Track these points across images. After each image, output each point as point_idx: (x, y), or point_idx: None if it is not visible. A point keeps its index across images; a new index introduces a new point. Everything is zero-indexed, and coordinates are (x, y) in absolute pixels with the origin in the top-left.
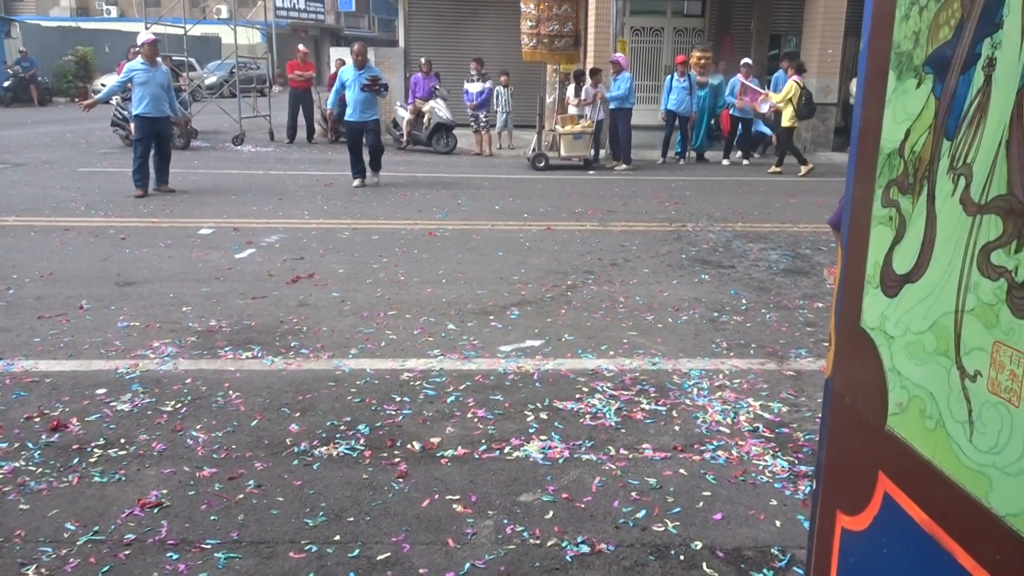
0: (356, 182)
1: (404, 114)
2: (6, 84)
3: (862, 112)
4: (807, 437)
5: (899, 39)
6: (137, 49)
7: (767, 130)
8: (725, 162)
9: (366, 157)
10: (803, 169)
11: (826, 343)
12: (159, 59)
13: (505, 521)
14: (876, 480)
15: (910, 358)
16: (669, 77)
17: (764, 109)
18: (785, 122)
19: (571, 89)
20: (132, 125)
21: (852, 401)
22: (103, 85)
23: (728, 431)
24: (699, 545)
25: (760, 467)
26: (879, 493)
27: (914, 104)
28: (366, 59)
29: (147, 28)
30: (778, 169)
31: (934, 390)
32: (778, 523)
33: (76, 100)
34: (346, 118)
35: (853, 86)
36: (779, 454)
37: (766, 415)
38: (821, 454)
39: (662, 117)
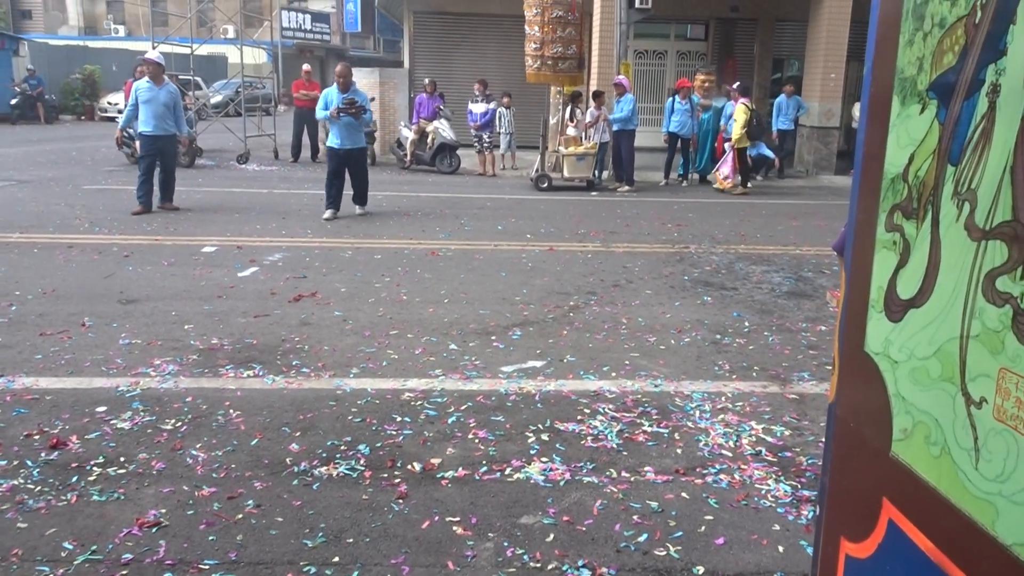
0: (328, 213)
1: (408, 134)
2: (13, 102)
3: (865, 137)
4: (810, 461)
5: (903, 65)
6: (142, 67)
7: (770, 153)
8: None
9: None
10: (738, 189)
11: (829, 366)
12: (166, 77)
13: (505, 544)
14: (881, 506)
15: (915, 383)
16: (671, 99)
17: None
18: (733, 142)
19: (569, 111)
20: (137, 143)
21: (856, 426)
22: (110, 103)
23: (730, 454)
24: (701, 570)
25: (763, 491)
26: (884, 520)
27: (918, 129)
28: (350, 81)
29: (154, 47)
30: (737, 191)
31: (939, 416)
32: (781, 548)
33: (82, 118)
34: (328, 144)
35: (856, 110)
36: (782, 478)
37: (769, 439)
38: (825, 479)
39: (664, 139)
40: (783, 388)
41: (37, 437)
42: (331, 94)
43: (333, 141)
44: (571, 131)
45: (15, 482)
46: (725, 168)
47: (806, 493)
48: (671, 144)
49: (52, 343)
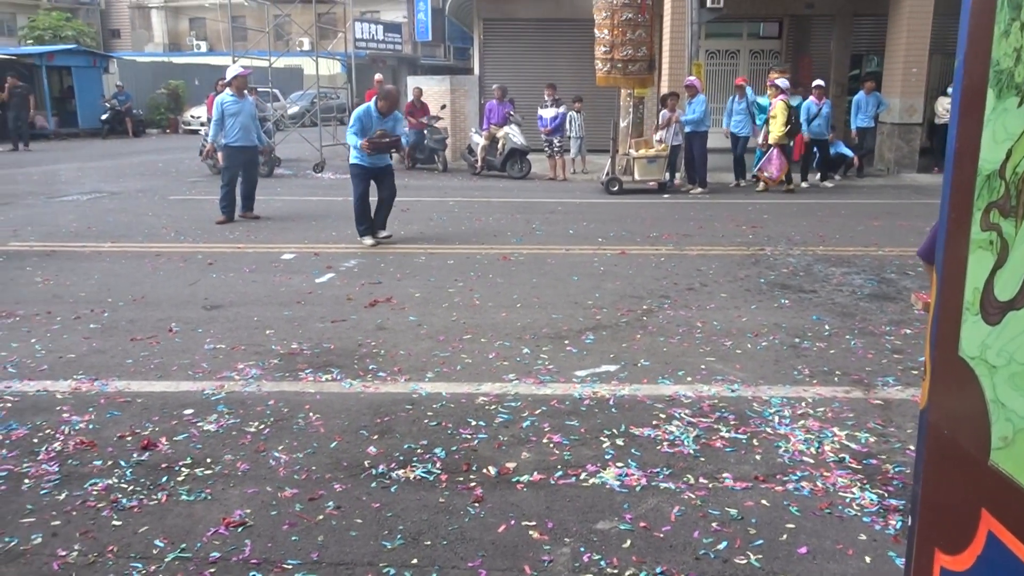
0: (368, 241)
1: (479, 140)
2: (104, 117)
3: (958, 132)
4: (897, 469)
5: (998, 56)
6: (226, 82)
7: (848, 151)
8: (804, 184)
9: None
10: (760, 185)
11: (915, 371)
12: (245, 90)
13: (582, 549)
14: (979, 518)
15: (1015, 389)
16: (731, 99)
17: (775, 164)
18: (772, 139)
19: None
20: (220, 154)
21: (951, 434)
22: (192, 116)
23: (812, 461)
24: None
25: (847, 499)
26: (982, 531)
27: (1016, 123)
28: (395, 108)
29: (234, 61)
30: (759, 188)
31: None
32: (868, 559)
33: (167, 131)
34: (354, 160)
35: (940, 105)
36: (867, 486)
37: (853, 445)
38: (917, 488)
39: (725, 133)
40: (867, 393)
41: (129, 438)
42: (368, 116)
43: (360, 157)
44: (660, 134)
45: (110, 481)
46: (770, 166)
47: (894, 502)
48: (733, 144)
49: (142, 348)
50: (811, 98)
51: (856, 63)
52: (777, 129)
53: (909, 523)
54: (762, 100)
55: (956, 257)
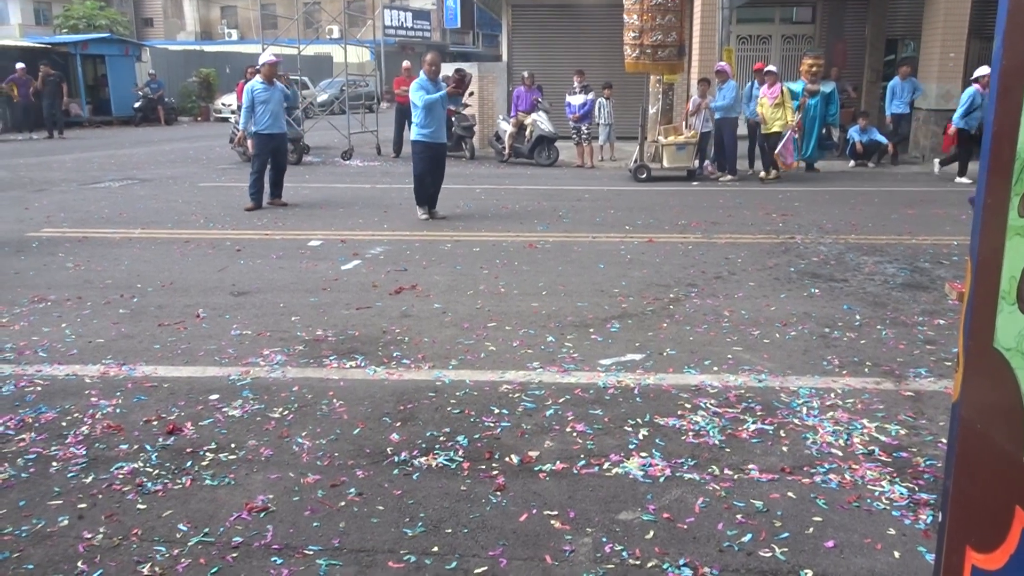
0: (425, 214)
1: (506, 127)
2: (136, 105)
3: (995, 116)
4: (928, 463)
5: None
6: (256, 69)
7: (883, 138)
8: (966, 180)
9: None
10: (765, 174)
11: (948, 362)
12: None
13: (604, 539)
14: (1013, 515)
15: None
16: (749, 85)
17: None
18: (777, 127)
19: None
20: (250, 142)
21: (984, 428)
22: (224, 104)
23: (841, 453)
24: (809, 573)
25: (876, 493)
26: (1016, 529)
27: None
28: (440, 70)
29: (264, 49)
30: (772, 176)
31: None
32: (897, 554)
33: (198, 119)
34: (418, 137)
35: None
36: (897, 480)
37: (882, 438)
38: (947, 483)
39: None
40: (898, 385)
41: (155, 423)
42: (426, 82)
43: (428, 134)
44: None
45: (135, 465)
46: (786, 153)
47: (924, 496)
48: (751, 133)
49: (169, 333)
50: (976, 87)
51: (891, 48)
52: (790, 114)
53: (940, 519)
54: (795, 86)
55: (992, 244)
